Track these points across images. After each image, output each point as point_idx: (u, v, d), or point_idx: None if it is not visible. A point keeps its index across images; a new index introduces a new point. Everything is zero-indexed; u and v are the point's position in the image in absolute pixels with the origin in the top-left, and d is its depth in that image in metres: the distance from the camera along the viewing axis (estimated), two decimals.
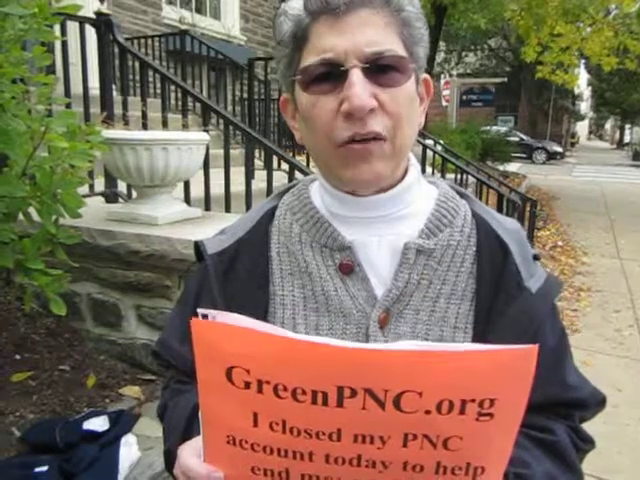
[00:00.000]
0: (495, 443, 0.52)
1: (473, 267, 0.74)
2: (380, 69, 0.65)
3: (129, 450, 1.85)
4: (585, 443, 0.78)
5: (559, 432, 0.74)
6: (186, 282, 0.92)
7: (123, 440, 1.88)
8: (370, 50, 0.64)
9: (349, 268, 0.73)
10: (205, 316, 0.54)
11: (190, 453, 0.64)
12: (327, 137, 0.67)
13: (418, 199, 0.75)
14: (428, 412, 0.49)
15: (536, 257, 0.77)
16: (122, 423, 1.97)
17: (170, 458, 0.74)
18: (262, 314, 0.75)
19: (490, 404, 0.49)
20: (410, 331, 0.72)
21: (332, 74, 0.66)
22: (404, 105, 0.67)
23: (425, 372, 0.48)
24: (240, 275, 0.77)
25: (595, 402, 0.79)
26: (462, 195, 0.80)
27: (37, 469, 1.72)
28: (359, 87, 0.64)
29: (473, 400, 0.48)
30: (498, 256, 0.73)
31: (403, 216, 0.74)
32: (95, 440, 1.87)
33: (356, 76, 0.64)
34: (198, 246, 0.81)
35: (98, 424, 1.94)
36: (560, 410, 0.76)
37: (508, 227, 0.76)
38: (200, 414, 0.58)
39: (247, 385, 0.52)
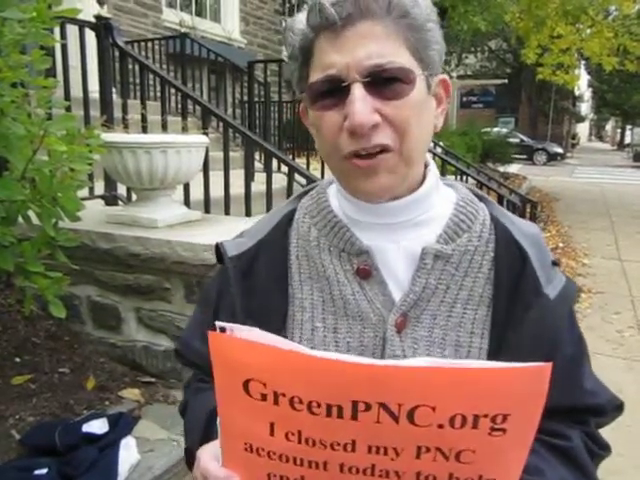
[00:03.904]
0: (508, 457, 0.52)
1: (490, 273, 0.73)
2: (382, 82, 0.64)
3: (128, 453, 1.85)
4: (602, 449, 0.77)
5: (574, 438, 0.73)
6: (206, 283, 0.93)
7: (123, 443, 1.88)
8: (370, 63, 0.63)
9: (367, 273, 0.73)
10: (223, 329, 0.54)
11: (209, 457, 0.66)
12: (335, 150, 0.68)
13: (437, 204, 0.75)
14: (441, 426, 0.49)
15: (555, 262, 0.76)
16: (122, 426, 1.97)
17: (190, 456, 0.76)
18: (281, 317, 0.75)
19: (503, 419, 0.49)
20: (427, 336, 0.71)
21: (335, 90, 0.65)
22: (410, 115, 0.66)
23: (438, 388, 0.48)
24: (260, 278, 0.77)
25: (612, 408, 0.78)
26: (481, 198, 0.79)
27: (37, 472, 1.72)
28: (360, 103, 0.63)
29: (486, 415, 0.49)
30: (516, 262, 0.72)
31: (421, 221, 0.73)
32: (94, 443, 1.88)
33: (357, 91, 0.64)
34: (218, 248, 0.81)
35: (98, 427, 1.94)
36: (576, 416, 0.75)
37: (527, 232, 0.76)
38: (218, 421, 0.60)
39: (264, 397, 0.53)
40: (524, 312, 0.70)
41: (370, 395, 0.49)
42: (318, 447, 0.54)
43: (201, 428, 0.76)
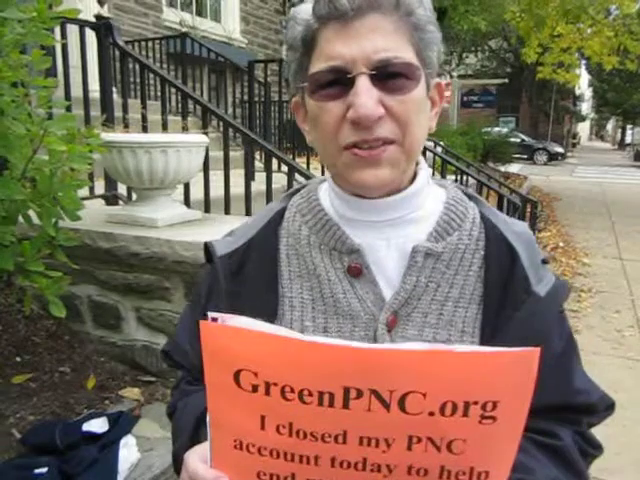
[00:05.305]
0: (499, 447, 0.53)
1: (481, 271, 0.73)
2: (388, 76, 0.65)
3: (128, 452, 1.85)
4: (594, 449, 0.77)
5: (564, 437, 0.73)
6: (197, 283, 0.92)
7: (122, 442, 1.88)
8: (377, 57, 0.64)
9: (357, 271, 0.72)
10: (215, 319, 0.54)
11: (197, 459, 0.65)
12: (333, 141, 0.67)
13: (427, 202, 0.75)
14: (432, 414, 0.50)
15: (545, 261, 0.76)
16: (121, 425, 1.97)
17: (178, 460, 0.74)
18: (271, 316, 0.75)
19: (493, 406, 0.49)
20: (418, 334, 0.71)
21: (339, 80, 0.65)
22: (412, 111, 0.67)
23: (429, 372, 0.48)
24: (249, 277, 0.77)
25: (604, 407, 0.78)
26: (471, 197, 0.80)
27: (37, 470, 1.73)
28: (365, 95, 0.63)
29: (476, 402, 0.49)
30: (506, 260, 0.72)
31: (412, 219, 0.73)
32: (95, 442, 1.88)
33: (363, 83, 0.63)
34: (207, 247, 0.81)
35: (98, 426, 1.95)
36: (567, 415, 0.75)
37: (517, 231, 0.76)
38: (208, 417, 0.59)
39: (255, 388, 0.52)
40: (514, 310, 0.70)
41: (362, 381, 0.49)
42: (309, 440, 0.53)
43: (189, 432, 0.75)
